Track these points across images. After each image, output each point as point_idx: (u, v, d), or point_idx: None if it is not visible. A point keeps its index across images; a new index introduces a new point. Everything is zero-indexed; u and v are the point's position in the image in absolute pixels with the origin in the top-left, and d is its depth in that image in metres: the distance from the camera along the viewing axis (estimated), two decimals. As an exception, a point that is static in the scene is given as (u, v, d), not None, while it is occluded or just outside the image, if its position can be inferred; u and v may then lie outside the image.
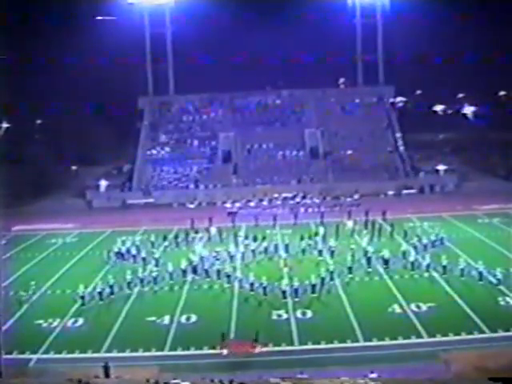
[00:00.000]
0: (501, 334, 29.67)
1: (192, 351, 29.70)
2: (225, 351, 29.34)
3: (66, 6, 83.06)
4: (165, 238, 51.11)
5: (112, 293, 38.00)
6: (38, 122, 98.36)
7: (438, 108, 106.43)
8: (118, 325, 33.41)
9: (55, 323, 33.95)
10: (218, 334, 30.50)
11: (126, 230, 55.42)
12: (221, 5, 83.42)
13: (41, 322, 34.23)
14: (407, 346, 29.04)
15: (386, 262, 41.64)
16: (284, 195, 68.59)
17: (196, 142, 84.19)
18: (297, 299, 35.78)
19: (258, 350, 29.33)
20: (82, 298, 36.71)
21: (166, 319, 33.88)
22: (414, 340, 29.75)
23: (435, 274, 39.39)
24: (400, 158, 79.05)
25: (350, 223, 53.28)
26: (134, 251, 46.74)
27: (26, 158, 76.34)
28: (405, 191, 72.02)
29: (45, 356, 29.87)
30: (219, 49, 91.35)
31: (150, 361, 28.89)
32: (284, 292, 36.22)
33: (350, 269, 40.27)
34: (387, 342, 29.62)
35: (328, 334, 30.53)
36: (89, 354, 29.81)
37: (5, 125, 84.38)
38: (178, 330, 32.32)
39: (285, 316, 33.73)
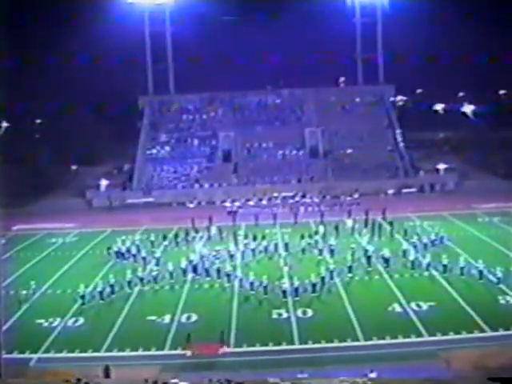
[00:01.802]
0: (501, 332, 29.69)
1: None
2: (189, 352, 29.35)
3: (66, 5, 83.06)
4: (165, 238, 51.15)
5: (112, 292, 38.05)
6: (38, 121, 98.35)
7: (439, 107, 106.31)
8: (118, 324, 33.44)
9: (56, 322, 34.00)
10: (218, 334, 30.53)
11: (125, 230, 55.43)
12: (220, 4, 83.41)
13: (41, 321, 34.27)
14: (407, 345, 29.05)
15: (386, 260, 41.66)
16: (284, 194, 68.59)
17: (196, 142, 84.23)
18: (297, 298, 35.79)
19: (222, 350, 29.38)
20: (83, 297, 36.73)
21: (167, 318, 33.91)
22: (414, 339, 29.77)
23: (435, 273, 39.42)
24: (400, 157, 79.08)
25: (349, 222, 53.27)
26: (134, 250, 46.78)
27: (25, 158, 76.34)
28: (405, 190, 72.00)
29: (45, 355, 29.90)
30: (219, 48, 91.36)
31: (151, 360, 28.91)
32: (284, 291, 36.24)
33: (350, 268, 40.28)
34: (387, 340, 29.63)
35: (328, 333, 30.56)
36: (89, 354, 29.83)
37: (4, 124, 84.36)
38: (179, 330, 32.31)
39: (285, 315, 33.76)
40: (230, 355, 29.06)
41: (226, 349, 29.52)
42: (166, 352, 29.83)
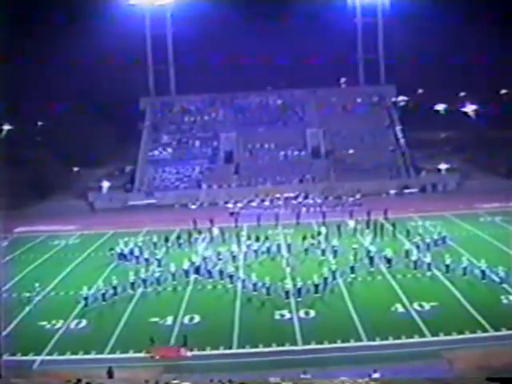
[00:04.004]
0: (504, 332, 29.63)
1: (195, 352, 29.69)
2: (152, 356, 29.37)
3: (67, 6, 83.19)
4: (167, 239, 51.05)
5: (115, 294, 38.06)
6: (40, 123, 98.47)
7: (440, 107, 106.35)
8: (121, 326, 33.45)
9: (58, 324, 34.00)
10: (221, 335, 30.65)
11: (128, 231, 55.46)
12: (221, 5, 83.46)
13: (44, 323, 34.28)
14: (410, 346, 29.05)
15: (388, 261, 41.67)
16: (286, 195, 68.52)
17: (198, 143, 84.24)
18: (300, 299, 35.79)
19: (184, 354, 29.41)
20: (85, 299, 36.75)
21: (169, 320, 33.93)
22: (417, 339, 29.75)
23: (438, 273, 39.40)
24: (402, 157, 79.02)
25: (351, 223, 53.20)
26: (136, 252, 46.73)
27: (27, 160, 76.42)
28: (406, 190, 72.03)
29: (48, 357, 29.90)
30: (220, 49, 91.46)
31: (154, 361, 28.92)
32: (287, 292, 36.25)
33: (352, 268, 40.25)
34: (390, 341, 29.61)
35: (331, 334, 30.56)
36: (92, 355, 29.85)
37: (7, 127, 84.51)
38: (182, 331, 32.28)
39: (288, 316, 33.76)
40: (233, 356, 29.06)
41: (187, 352, 29.52)
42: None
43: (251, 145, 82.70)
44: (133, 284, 39.14)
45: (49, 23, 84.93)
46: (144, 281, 39.79)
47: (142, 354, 29.64)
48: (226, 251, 45.54)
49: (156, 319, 34.07)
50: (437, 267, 40.07)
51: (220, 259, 43.85)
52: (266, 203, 66.42)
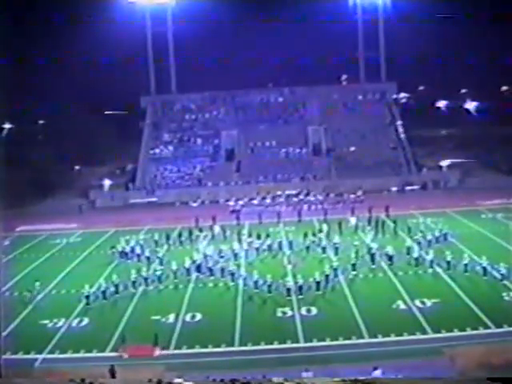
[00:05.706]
0: (505, 329, 29.56)
1: (197, 349, 29.70)
2: (124, 355, 29.34)
3: (67, 5, 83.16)
4: (168, 237, 51.12)
5: (117, 292, 38.06)
6: (41, 122, 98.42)
7: (441, 104, 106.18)
8: (122, 324, 33.41)
9: (60, 323, 33.99)
10: (223, 333, 30.64)
11: (129, 230, 55.49)
12: (222, 3, 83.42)
13: (46, 322, 34.26)
14: (412, 342, 28.99)
15: (389, 258, 41.62)
16: (287, 192, 68.59)
17: (199, 141, 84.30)
18: (301, 296, 35.76)
19: (156, 353, 29.47)
20: (87, 297, 36.73)
21: (171, 318, 33.91)
22: (418, 336, 29.72)
23: (439, 270, 39.37)
24: (403, 154, 79.04)
25: (353, 220, 53.25)
26: (137, 250, 46.73)
27: (29, 159, 76.43)
28: (408, 187, 72.03)
29: (50, 356, 29.86)
30: (221, 47, 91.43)
31: (155, 360, 28.92)
32: (288, 289, 36.22)
33: (354, 265, 40.26)
34: (392, 338, 29.58)
35: (333, 331, 30.52)
36: (94, 354, 29.82)
37: (7, 125, 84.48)
38: (183, 329, 32.33)
39: (289, 313, 33.72)
40: (235, 354, 29.06)
41: (159, 351, 29.56)
42: (170, 351, 29.81)
43: (252, 143, 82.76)
44: (134, 282, 39.14)
45: (50, 22, 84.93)
46: (145, 279, 39.81)
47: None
48: (228, 249, 45.55)
49: (158, 317, 34.05)
50: (438, 264, 40.04)
51: (221, 257, 43.93)
52: (268, 201, 66.44)
